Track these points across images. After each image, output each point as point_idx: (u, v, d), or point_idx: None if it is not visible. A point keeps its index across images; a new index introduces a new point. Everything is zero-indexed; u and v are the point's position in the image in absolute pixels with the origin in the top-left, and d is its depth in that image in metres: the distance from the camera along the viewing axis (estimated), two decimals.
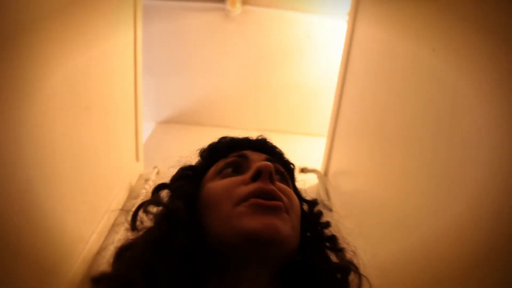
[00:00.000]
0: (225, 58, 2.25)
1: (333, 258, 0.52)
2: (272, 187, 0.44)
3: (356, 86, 1.47)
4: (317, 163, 1.77)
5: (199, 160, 0.59)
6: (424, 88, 0.93)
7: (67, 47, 0.96)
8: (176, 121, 2.41)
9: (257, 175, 0.45)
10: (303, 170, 1.68)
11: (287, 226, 0.42)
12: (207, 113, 2.38)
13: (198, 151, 0.60)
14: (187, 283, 0.39)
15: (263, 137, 0.61)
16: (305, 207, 0.57)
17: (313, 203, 0.58)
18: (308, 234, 0.52)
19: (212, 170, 0.53)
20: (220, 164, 0.52)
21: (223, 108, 2.37)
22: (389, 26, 1.20)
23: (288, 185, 0.52)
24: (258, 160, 0.50)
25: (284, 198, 0.45)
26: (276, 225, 0.41)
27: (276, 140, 0.63)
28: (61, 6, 0.91)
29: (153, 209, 0.49)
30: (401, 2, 1.11)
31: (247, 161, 0.51)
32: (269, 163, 0.45)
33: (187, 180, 0.53)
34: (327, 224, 0.56)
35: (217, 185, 0.48)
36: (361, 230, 1.16)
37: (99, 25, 1.16)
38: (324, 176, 1.67)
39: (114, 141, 1.40)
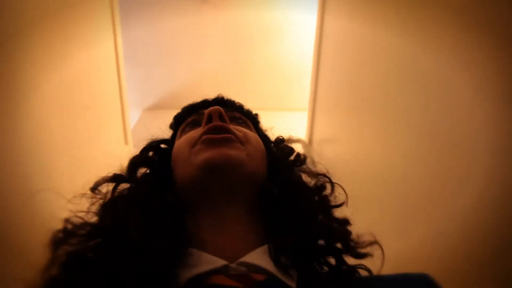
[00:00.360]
0: (205, 41, 2.27)
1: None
2: (221, 123, 0.47)
3: (331, 58, 1.53)
4: (302, 136, 1.84)
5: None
6: (393, 59, 0.98)
7: (56, 54, 1.03)
8: (161, 106, 2.44)
9: (209, 119, 0.47)
10: (288, 141, 1.73)
11: (240, 153, 0.44)
12: (191, 96, 2.39)
13: (169, 126, 0.64)
14: (163, 231, 0.40)
15: (221, 95, 0.63)
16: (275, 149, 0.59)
17: (279, 141, 0.62)
18: (278, 168, 0.53)
19: (178, 134, 0.56)
20: (182, 127, 0.56)
21: (207, 91, 2.39)
22: (360, 3, 1.26)
23: (248, 128, 0.54)
24: None
25: (237, 132, 0.47)
26: (225, 152, 0.43)
27: (261, 117, 0.66)
28: (45, 15, 0.97)
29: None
30: None
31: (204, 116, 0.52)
32: (217, 106, 0.48)
33: (156, 148, 0.57)
34: (292, 150, 0.59)
35: (179, 141, 0.51)
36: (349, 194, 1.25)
37: (81, 32, 1.24)
38: (309, 145, 1.75)
39: (104, 129, 1.47)
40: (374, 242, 0.45)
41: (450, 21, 0.74)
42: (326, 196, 0.51)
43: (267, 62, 2.32)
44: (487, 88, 0.64)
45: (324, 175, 0.53)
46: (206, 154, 0.43)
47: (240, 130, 0.49)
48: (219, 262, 0.38)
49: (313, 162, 0.60)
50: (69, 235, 0.41)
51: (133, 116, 2.10)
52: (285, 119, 2.25)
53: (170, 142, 0.59)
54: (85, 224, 0.43)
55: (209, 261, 0.38)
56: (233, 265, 0.38)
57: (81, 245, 0.40)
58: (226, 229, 0.43)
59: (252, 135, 0.51)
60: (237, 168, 0.43)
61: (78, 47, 1.20)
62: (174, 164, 0.49)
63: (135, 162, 0.54)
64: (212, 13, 2.17)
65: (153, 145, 0.58)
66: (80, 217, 0.44)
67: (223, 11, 2.17)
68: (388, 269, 0.45)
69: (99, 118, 1.42)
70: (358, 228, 0.49)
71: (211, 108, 0.48)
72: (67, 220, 0.42)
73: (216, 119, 0.47)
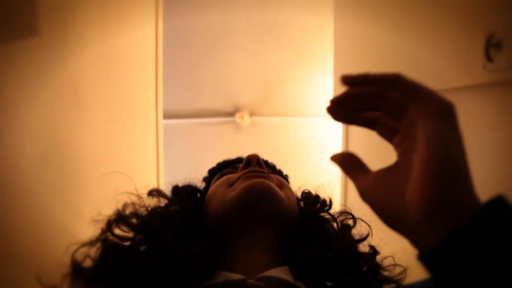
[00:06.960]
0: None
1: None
2: (259, 168, 0.49)
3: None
4: None
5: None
6: None
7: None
8: None
9: (247, 164, 0.50)
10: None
11: (278, 189, 0.46)
12: None
13: (202, 180, 0.67)
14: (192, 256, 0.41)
15: (255, 154, 0.66)
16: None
17: (307, 193, 0.64)
18: (307, 214, 0.54)
19: (211, 184, 0.58)
20: (217, 177, 0.58)
21: None
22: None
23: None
24: None
25: (274, 177, 0.49)
26: (265, 182, 0.44)
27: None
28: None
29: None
30: None
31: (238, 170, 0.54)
32: (255, 153, 0.52)
33: (191, 195, 0.58)
34: (317, 198, 0.60)
35: (215, 184, 0.53)
36: None
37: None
38: None
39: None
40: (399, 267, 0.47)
41: None
42: (349, 228, 0.52)
43: (298, 181, 2.31)
44: None
45: (346, 212, 0.55)
46: (246, 183, 0.45)
47: (276, 177, 0.52)
48: (237, 276, 0.39)
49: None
50: (122, 220, 0.44)
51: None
52: None
53: (202, 191, 0.61)
54: (136, 215, 0.46)
55: (227, 276, 0.40)
56: (251, 280, 0.39)
57: (124, 234, 0.43)
58: (252, 257, 0.44)
59: (287, 184, 0.54)
60: (275, 200, 0.44)
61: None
62: (208, 204, 0.50)
63: (179, 190, 0.57)
64: (244, 139, 2.35)
65: (188, 190, 0.60)
66: (135, 208, 0.47)
67: (255, 136, 2.35)
68: None
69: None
70: None
71: (250, 154, 0.52)
72: (126, 205, 0.46)
73: (255, 164, 0.50)
